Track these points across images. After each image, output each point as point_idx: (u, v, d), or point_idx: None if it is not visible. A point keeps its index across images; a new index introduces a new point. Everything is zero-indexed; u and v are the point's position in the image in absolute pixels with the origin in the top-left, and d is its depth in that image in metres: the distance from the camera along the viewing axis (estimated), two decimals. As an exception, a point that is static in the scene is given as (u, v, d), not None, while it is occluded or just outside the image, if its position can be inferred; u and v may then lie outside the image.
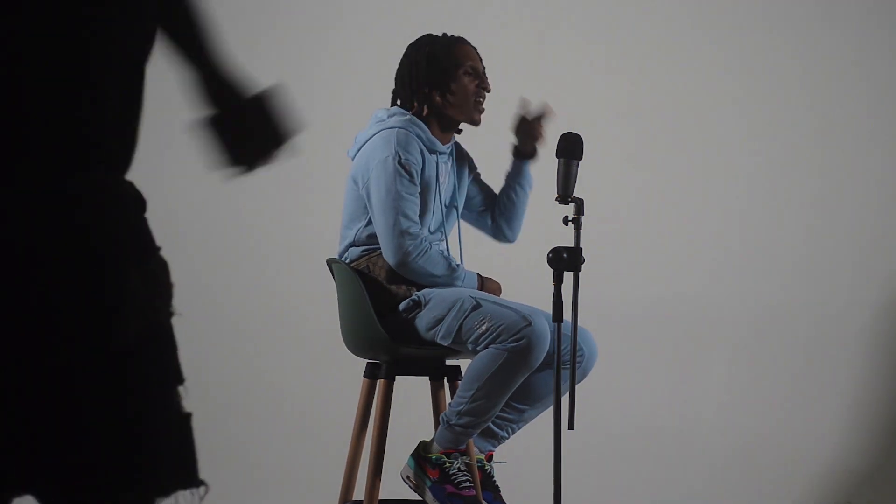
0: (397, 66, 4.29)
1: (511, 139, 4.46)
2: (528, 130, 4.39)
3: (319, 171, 5.80)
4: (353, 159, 4.28)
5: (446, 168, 4.28)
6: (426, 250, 4.11)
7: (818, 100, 6.04)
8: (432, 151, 4.20)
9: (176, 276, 6.60)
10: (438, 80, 4.21)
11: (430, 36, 4.30)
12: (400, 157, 4.10)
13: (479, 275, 4.26)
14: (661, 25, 6.02)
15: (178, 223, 5.94)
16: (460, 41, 4.27)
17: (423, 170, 4.16)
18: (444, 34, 4.30)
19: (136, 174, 6.51)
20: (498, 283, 4.31)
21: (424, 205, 4.19)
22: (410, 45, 4.30)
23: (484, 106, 4.28)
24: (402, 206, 4.10)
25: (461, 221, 4.44)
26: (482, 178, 4.51)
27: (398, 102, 4.27)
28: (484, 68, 4.29)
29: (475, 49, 4.29)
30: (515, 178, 4.43)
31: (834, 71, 6.04)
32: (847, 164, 6.02)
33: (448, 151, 4.28)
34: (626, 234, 5.96)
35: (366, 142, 4.21)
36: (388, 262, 4.12)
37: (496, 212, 4.47)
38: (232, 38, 6.52)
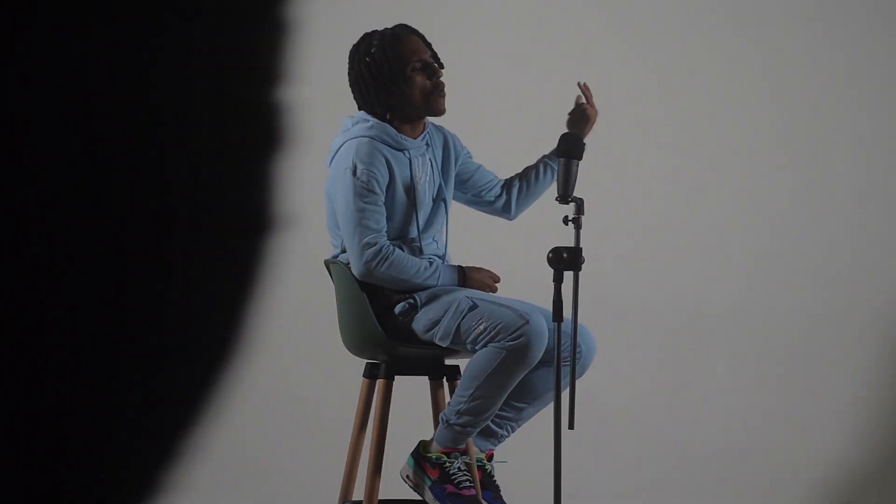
0: (347, 76, 4.17)
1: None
2: (581, 115, 4.32)
3: (317, 170, 5.79)
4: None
5: (423, 161, 4.20)
6: (388, 256, 4.05)
7: (820, 101, 6.04)
8: (403, 149, 4.14)
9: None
10: (390, 86, 4.08)
11: (367, 37, 4.14)
12: (356, 168, 4.04)
13: (460, 267, 4.20)
14: (663, 25, 6.02)
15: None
16: (399, 36, 4.11)
17: (392, 173, 4.09)
18: (384, 30, 4.16)
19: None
20: (486, 272, 4.23)
21: (406, 206, 4.14)
22: (351, 51, 4.15)
23: (444, 91, 4.16)
24: (360, 219, 4.04)
25: (450, 218, 4.40)
26: (474, 159, 4.44)
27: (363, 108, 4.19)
28: (431, 51, 4.13)
29: (417, 35, 4.14)
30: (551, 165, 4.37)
31: (840, 72, 6.04)
32: (848, 165, 6.02)
33: (422, 143, 4.20)
34: (626, 234, 5.96)
35: (336, 152, 4.18)
36: (355, 274, 4.07)
37: (514, 187, 4.41)
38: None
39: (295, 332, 5.90)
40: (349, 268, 4.18)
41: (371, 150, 4.06)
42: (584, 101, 4.36)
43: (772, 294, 5.98)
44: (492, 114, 6.01)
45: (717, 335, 5.98)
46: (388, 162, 4.09)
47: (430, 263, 4.14)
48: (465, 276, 4.17)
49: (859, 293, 5.97)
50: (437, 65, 4.13)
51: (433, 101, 4.13)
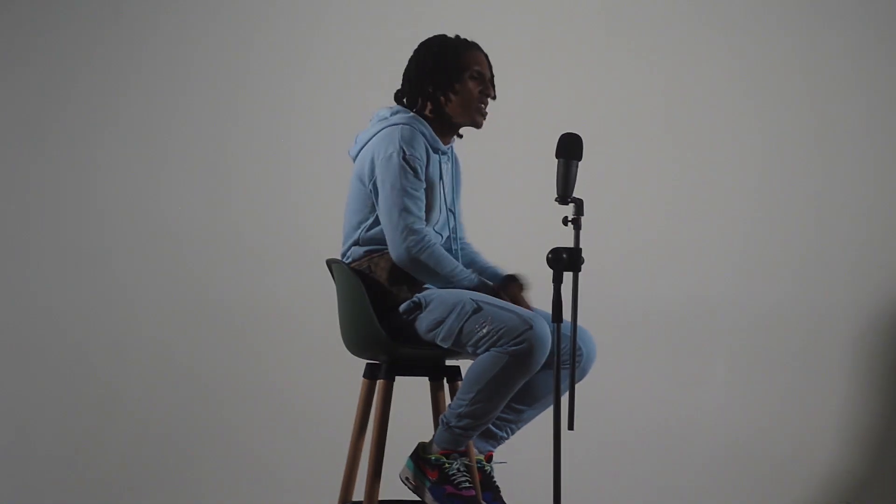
0: (406, 64, 4.31)
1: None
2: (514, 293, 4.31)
3: (319, 171, 5.79)
4: (354, 159, 4.28)
5: (448, 168, 4.30)
6: (429, 246, 4.10)
7: (816, 101, 6.04)
8: (435, 150, 4.22)
9: (177, 277, 6.63)
10: (444, 79, 4.22)
11: (443, 37, 4.30)
12: (405, 152, 4.11)
13: (495, 286, 4.19)
14: (662, 26, 6.02)
15: (178, 225, 5.94)
16: (472, 46, 4.29)
17: (427, 166, 4.16)
18: (458, 36, 4.31)
19: (137, 177, 6.54)
20: (517, 285, 4.23)
21: (430, 202, 4.19)
22: (422, 42, 4.31)
23: (487, 111, 4.28)
24: (406, 203, 4.10)
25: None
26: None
27: (404, 101, 4.28)
28: (492, 76, 4.30)
29: (486, 56, 4.30)
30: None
31: (832, 72, 6.04)
32: (845, 165, 6.02)
33: (449, 153, 4.30)
34: (626, 235, 5.96)
35: (368, 140, 4.22)
36: (393, 258, 4.12)
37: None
38: (233, 36, 6.54)
39: (295, 332, 5.90)
40: (351, 268, 4.18)
41: (414, 135, 4.14)
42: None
43: (772, 295, 5.98)
44: (489, 116, 6.01)
45: (717, 336, 5.97)
46: (427, 153, 4.16)
47: (460, 267, 4.17)
48: (499, 296, 4.16)
49: (859, 294, 5.97)
50: (492, 85, 4.24)
51: (474, 109, 4.24)
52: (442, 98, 4.23)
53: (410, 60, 4.30)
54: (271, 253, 5.92)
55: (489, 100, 4.29)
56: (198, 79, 5.98)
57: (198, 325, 5.92)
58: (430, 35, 4.34)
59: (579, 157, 3.90)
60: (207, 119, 5.98)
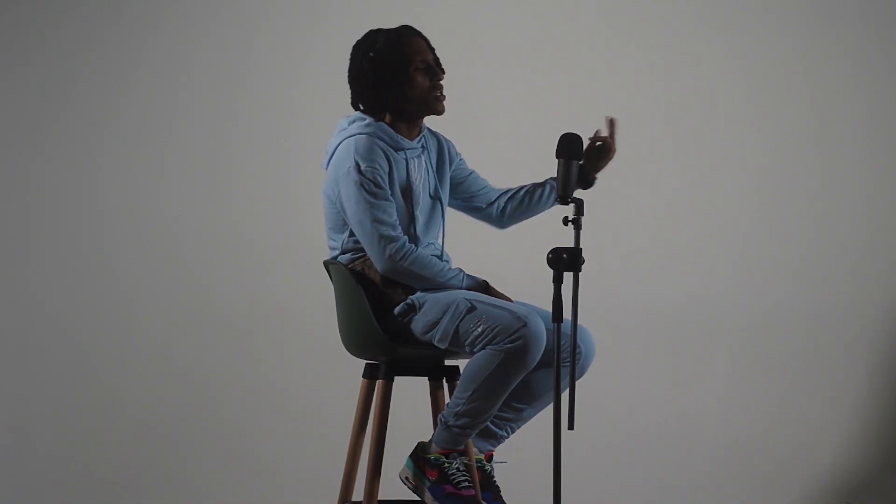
0: (347, 72, 4.20)
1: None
2: (598, 152, 4.33)
3: (319, 171, 5.79)
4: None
5: (419, 163, 4.22)
6: (411, 252, 4.07)
7: (816, 101, 6.04)
8: (400, 149, 4.16)
9: (177, 277, 6.62)
10: (390, 83, 4.12)
11: (372, 34, 4.19)
12: (360, 165, 4.06)
13: (485, 280, 4.20)
14: (662, 25, 6.02)
15: (177, 225, 5.94)
16: (405, 35, 4.16)
17: (390, 172, 4.11)
18: (389, 29, 4.20)
19: (137, 177, 6.53)
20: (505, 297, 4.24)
21: (403, 208, 4.15)
22: (355, 46, 4.20)
23: (444, 93, 4.20)
24: (374, 213, 4.06)
25: (447, 220, 4.41)
26: (467, 164, 4.45)
27: (360, 107, 4.22)
28: (434, 55, 4.18)
29: (422, 38, 4.18)
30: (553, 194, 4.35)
31: (832, 72, 6.04)
32: (845, 165, 6.02)
33: (419, 146, 4.23)
34: (625, 235, 5.96)
35: (332, 154, 4.20)
36: (379, 270, 4.09)
37: (514, 199, 4.42)
38: (233, 36, 6.53)
39: (295, 332, 5.90)
40: (348, 269, 4.18)
41: (370, 146, 4.08)
42: (605, 134, 4.35)
43: (772, 295, 5.98)
44: (489, 116, 6.01)
45: (717, 336, 5.97)
46: (387, 157, 4.10)
47: (450, 267, 4.16)
48: (488, 289, 4.15)
49: (859, 294, 5.97)
50: (438, 68, 4.16)
51: (431, 101, 4.15)
52: (395, 101, 4.17)
53: (350, 67, 4.18)
54: (271, 253, 5.92)
55: (441, 82, 4.16)
56: (198, 79, 5.98)
57: (198, 325, 5.92)
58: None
59: (579, 157, 3.89)
60: (207, 119, 5.98)
